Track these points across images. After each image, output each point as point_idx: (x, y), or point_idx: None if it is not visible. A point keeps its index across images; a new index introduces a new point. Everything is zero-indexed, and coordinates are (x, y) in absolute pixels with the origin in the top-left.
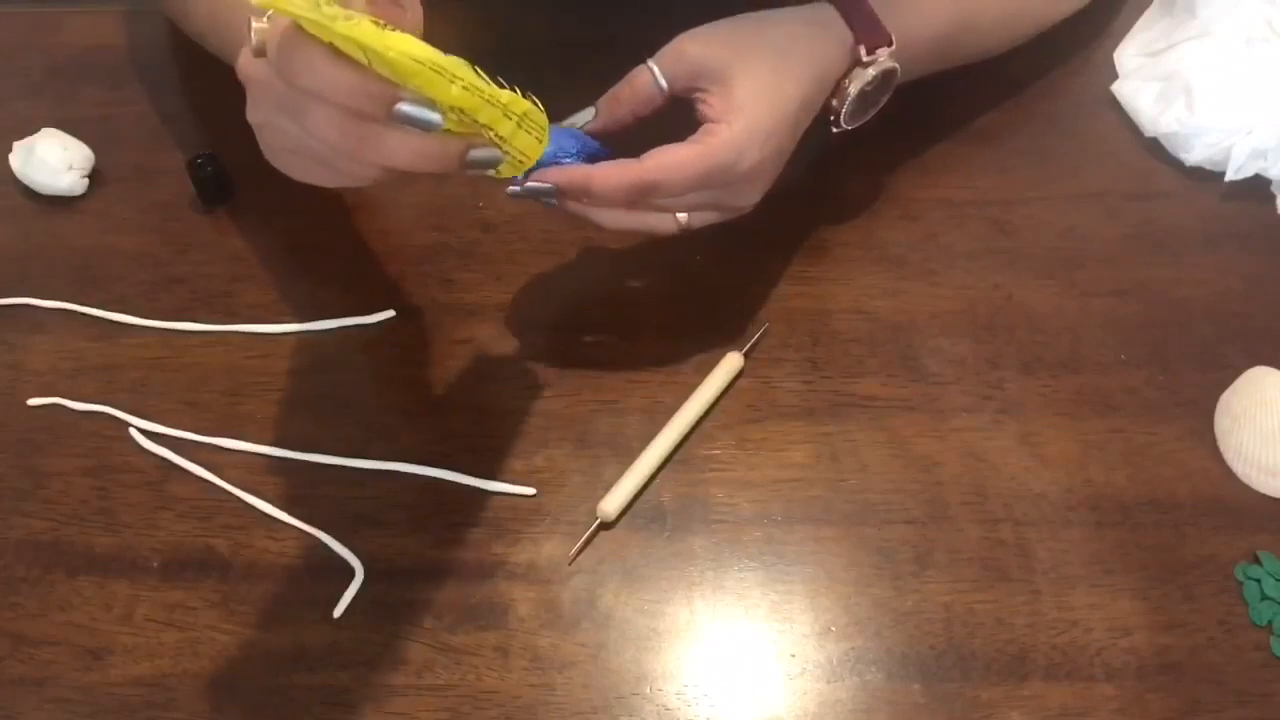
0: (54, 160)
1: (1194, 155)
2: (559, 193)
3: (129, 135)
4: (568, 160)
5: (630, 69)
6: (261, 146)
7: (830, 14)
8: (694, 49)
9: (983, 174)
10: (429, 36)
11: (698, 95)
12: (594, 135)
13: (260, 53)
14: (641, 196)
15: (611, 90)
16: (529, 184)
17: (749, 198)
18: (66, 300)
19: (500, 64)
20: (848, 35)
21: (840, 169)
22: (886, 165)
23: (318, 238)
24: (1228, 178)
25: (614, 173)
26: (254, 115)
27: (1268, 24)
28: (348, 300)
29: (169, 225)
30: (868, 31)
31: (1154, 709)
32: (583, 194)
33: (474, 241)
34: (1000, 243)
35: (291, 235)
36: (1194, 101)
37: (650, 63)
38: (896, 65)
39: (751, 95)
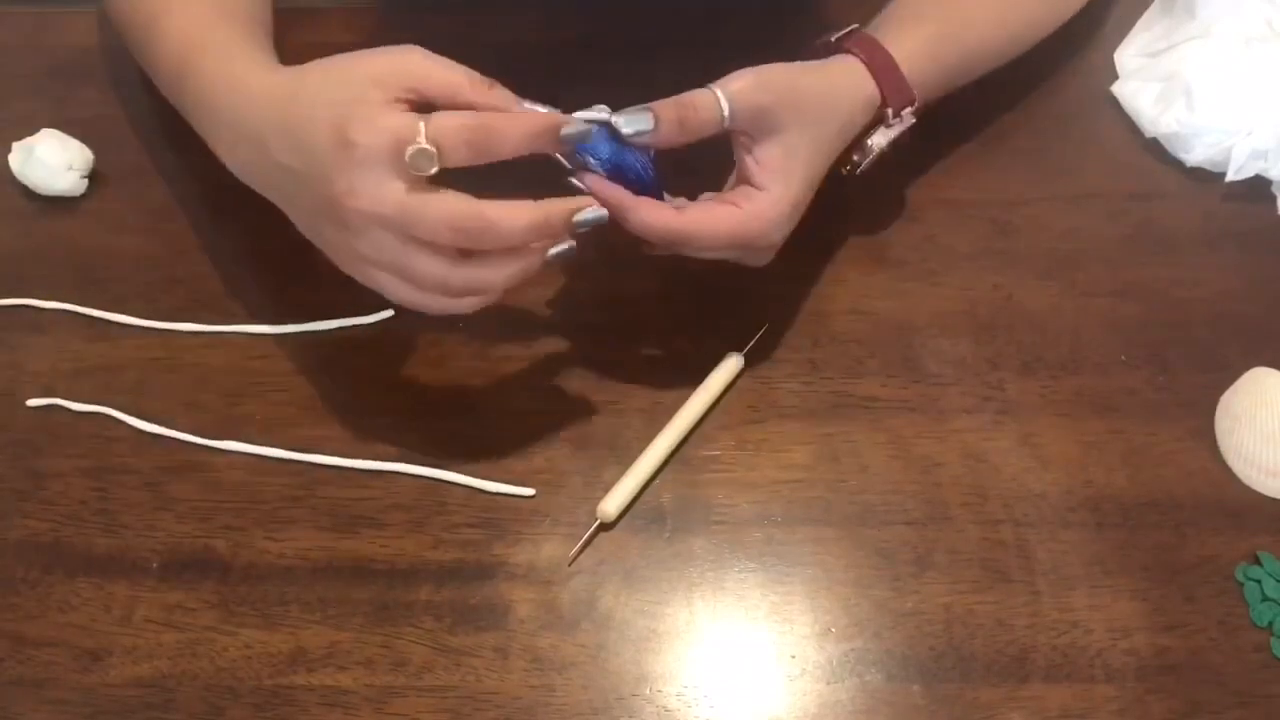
0: (54, 160)
1: (1194, 155)
2: (596, 198)
3: (129, 135)
4: (595, 164)
5: (625, 67)
6: (344, 266)
7: (860, 71)
8: (762, 94)
9: (983, 174)
10: (422, 41)
11: (745, 141)
12: (639, 145)
13: (440, 162)
14: (672, 244)
15: (673, 110)
16: (573, 180)
17: (764, 260)
18: (66, 301)
19: (500, 63)
20: (876, 94)
21: (841, 175)
22: (886, 165)
23: None
24: (1228, 178)
25: (653, 215)
26: (361, 244)
27: (1268, 24)
28: (347, 300)
29: (169, 226)
30: (896, 93)
31: (1154, 710)
32: (618, 217)
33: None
34: (1000, 243)
35: (291, 235)
36: (1194, 102)
37: (718, 92)
38: (914, 120)
39: (797, 162)
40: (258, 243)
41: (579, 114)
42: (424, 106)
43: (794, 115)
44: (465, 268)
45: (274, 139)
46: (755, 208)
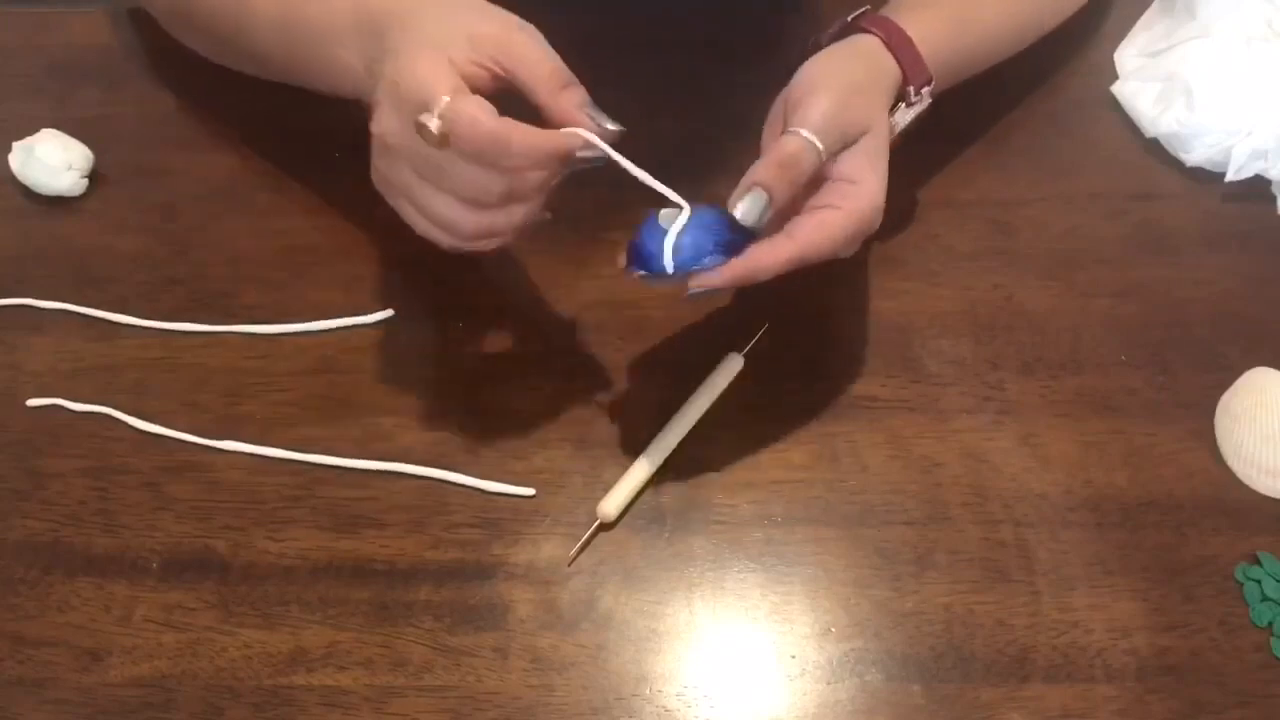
0: (53, 160)
1: (1194, 156)
2: (722, 285)
3: (129, 135)
4: (708, 260)
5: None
6: (375, 181)
7: (881, 49)
8: (841, 114)
9: (983, 174)
10: None
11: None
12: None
13: (444, 144)
14: (799, 267)
15: (780, 174)
16: (696, 290)
17: (853, 250)
18: (66, 301)
19: None
20: (898, 71)
21: None
22: (887, 166)
23: (318, 238)
24: (1228, 178)
25: (771, 257)
26: (386, 168)
27: (1268, 24)
28: (348, 300)
29: (168, 225)
30: (914, 70)
31: (1154, 710)
32: (749, 283)
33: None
34: (1000, 243)
35: (291, 235)
36: (1194, 102)
37: (807, 136)
38: (930, 101)
39: (875, 149)
40: (258, 243)
41: (665, 211)
42: (510, 84)
43: (865, 112)
44: (476, 213)
45: (376, 44)
46: (857, 204)
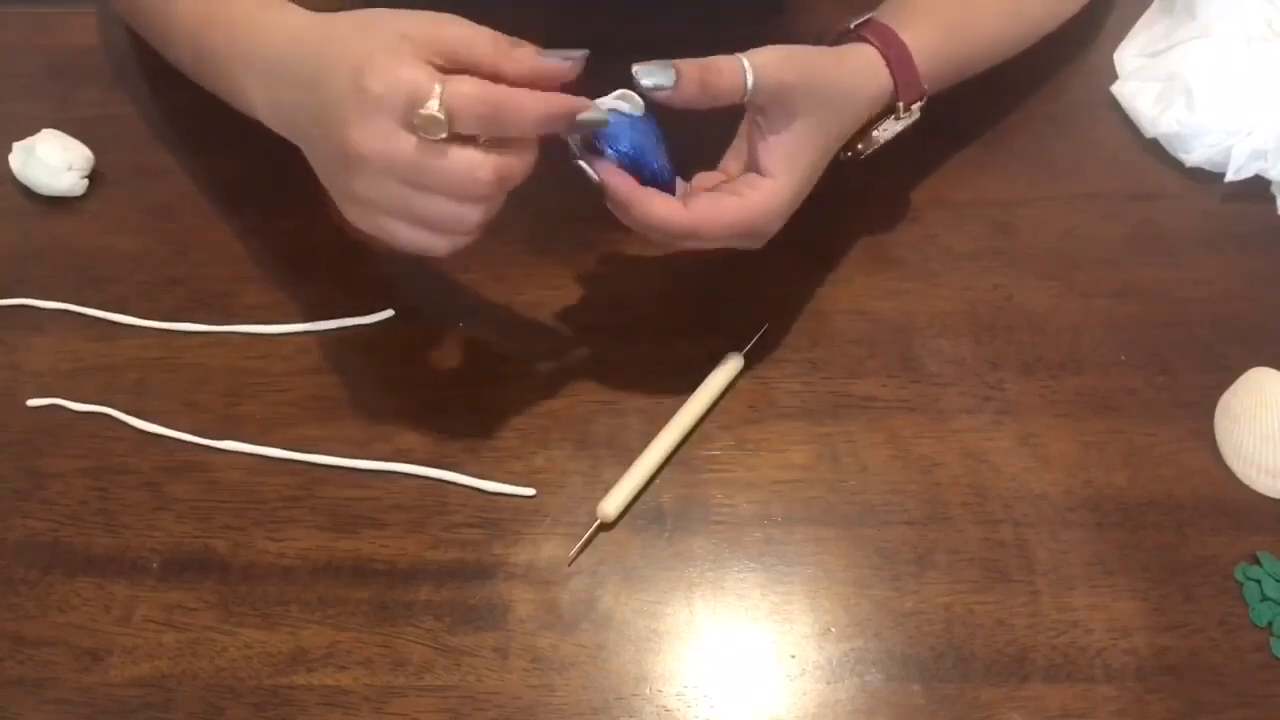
0: (54, 160)
1: (1194, 156)
2: (603, 189)
3: (129, 135)
4: (612, 154)
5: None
6: (353, 215)
7: (877, 62)
8: (788, 72)
9: (983, 174)
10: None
11: (760, 121)
12: (655, 100)
13: (450, 128)
14: (676, 239)
15: (697, 70)
16: (582, 163)
17: (760, 244)
18: (66, 301)
19: None
20: (890, 86)
21: (840, 170)
22: (886, 166)
23: (318, 238)
24: (1228, 178)
25: (660, 209)
26: (370, 190)
27: (1268, 24)
28: (348, 300)
29: (169, 226)
30: (908, 87)
31: (1154, 710)
32: (623, 208)
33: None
34: (1000, 243)
35: (291, 235)
36: (1194, 102)
37: (744, 61)
38: (918, 116)
39: (805, 149)
40: (258, 243)
41: (602, 100)
42: (455, 72)
43: (812, 101)
44: (473, 204)
45: (300, 78)
46: (759, 197)
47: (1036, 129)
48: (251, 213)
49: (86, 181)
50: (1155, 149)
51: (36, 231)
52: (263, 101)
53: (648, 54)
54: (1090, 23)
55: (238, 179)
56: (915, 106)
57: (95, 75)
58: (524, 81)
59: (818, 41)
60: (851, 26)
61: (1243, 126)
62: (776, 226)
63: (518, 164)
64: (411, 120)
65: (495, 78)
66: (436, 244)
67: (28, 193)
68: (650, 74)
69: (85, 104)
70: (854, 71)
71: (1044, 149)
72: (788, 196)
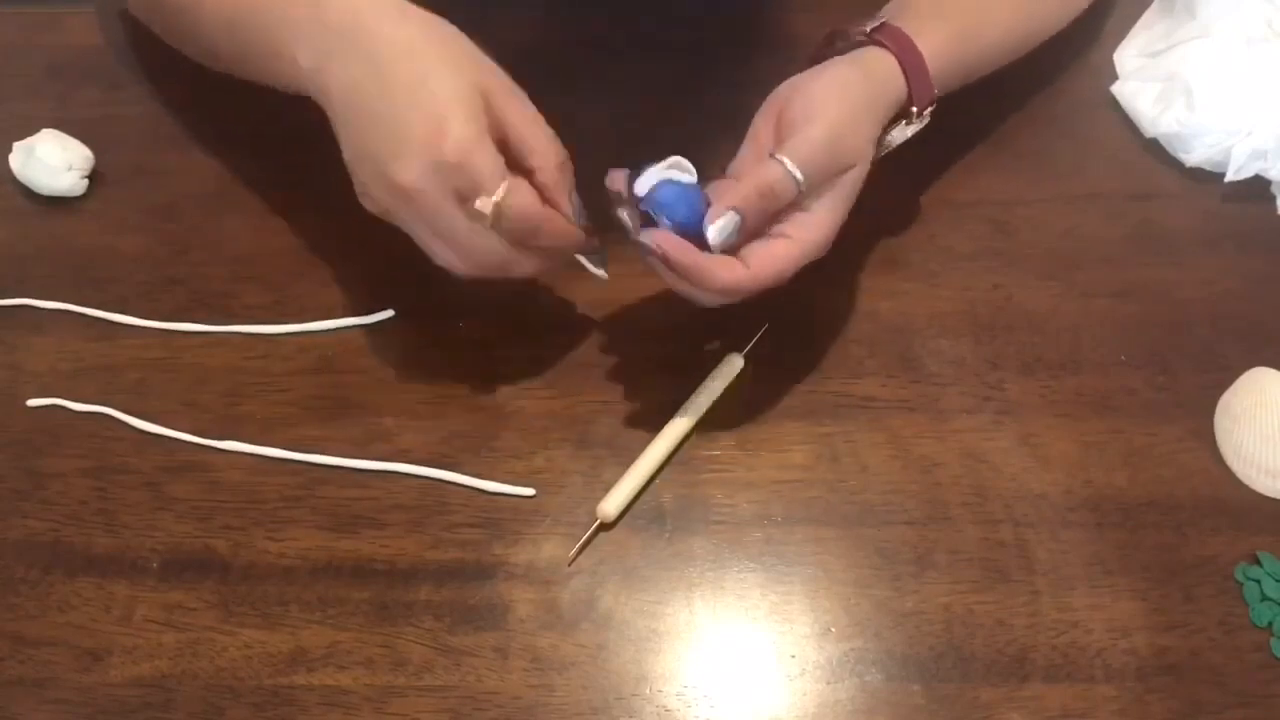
0: (54, 160)
1: (1194, 156)
2: (663, 259)
3: (129, 135)
4: (667, 222)
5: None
6: (367, 205)
7: (894, 68)
8: (831, 155)
9: (983, 174)
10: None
11: None
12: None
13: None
14: (738, 298)
15: (757, 201)
16: (643, 240)
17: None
18: (66, 301)
19: (501, 64)
20: (905, 93)
21: None
22: (887, 166)
23: (318, 238)
24: (1228, 178)
25: (723, 277)
26: (397, 214)
27: (1268, 24)
28: (348, 300)
29: (169, 225)
30: (921, 92)
31: (1154, 710)
32: (686, 278)
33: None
34: (1000, 243)
35: (291, 235)
36: (1194, 102)
37: (790, 169)
38: (928, 120)
39: (846, 181)
40: (258, 243)
41: (653, 168)
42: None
43: (854, 147)
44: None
45: (375, 79)
46: (810, 236)
47: (1037, 129)
48: (251, 213)
49: (86, 181)
50: (1155, 149)
51: (36, 231)
52: (327, 74)
53: (648, 53)
54: (1090, 23)
55: (238, 179)
56: (927, 112)
57: (95, 75)
58: (549, 200)
59: (830, 44)
60: (868, 31)
61: (1243, 126)
62: (825, 252)
63: (546, 266)
64: (465, 193)
65: (527, 171)
66: (451, 263)
67: (28, 193)
68: (722, 231)
69: (85, 104)
70: (874, 84)
71: (1044, 149)
72: (835, 224)
